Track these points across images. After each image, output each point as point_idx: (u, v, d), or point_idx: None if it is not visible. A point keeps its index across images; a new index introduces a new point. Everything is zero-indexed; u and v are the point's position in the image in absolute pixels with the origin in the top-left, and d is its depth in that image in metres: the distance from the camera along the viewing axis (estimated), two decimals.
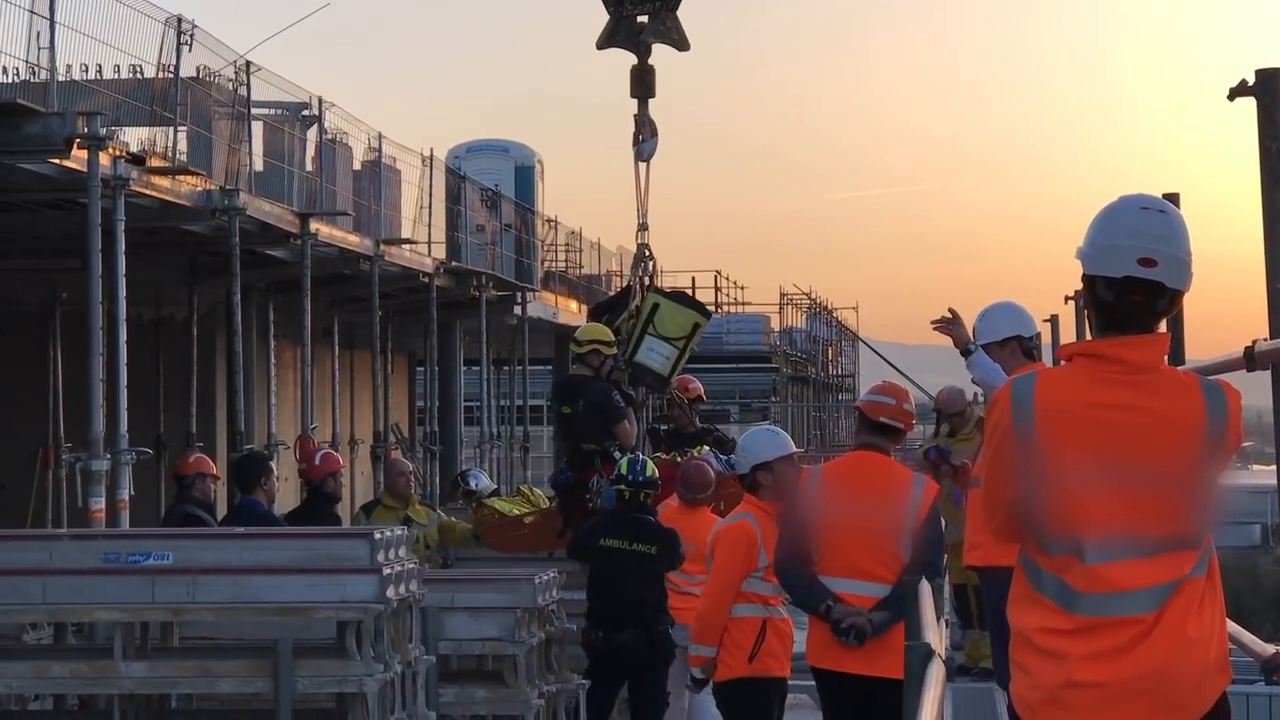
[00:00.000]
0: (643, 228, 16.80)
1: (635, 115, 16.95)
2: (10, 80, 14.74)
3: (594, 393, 14.55)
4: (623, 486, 12.13)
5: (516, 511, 15.25)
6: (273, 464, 13.54)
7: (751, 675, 9.49)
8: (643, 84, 16.91)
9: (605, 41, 17.07)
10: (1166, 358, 4.83)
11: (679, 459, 15.10)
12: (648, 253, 16.78)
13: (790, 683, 9.96)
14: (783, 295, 52.17)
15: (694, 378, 16.75)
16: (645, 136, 16.80)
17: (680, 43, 17.04)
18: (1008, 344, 9.04)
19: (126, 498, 14.19)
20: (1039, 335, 9.48)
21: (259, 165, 20.31)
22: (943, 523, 9.52)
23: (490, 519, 15.12)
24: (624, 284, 18.90)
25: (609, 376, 14.89)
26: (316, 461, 13.66)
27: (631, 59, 17.02)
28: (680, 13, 16.95)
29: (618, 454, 14.46)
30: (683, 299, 16.68)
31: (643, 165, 16.87)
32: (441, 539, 14.29)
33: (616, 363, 15.28)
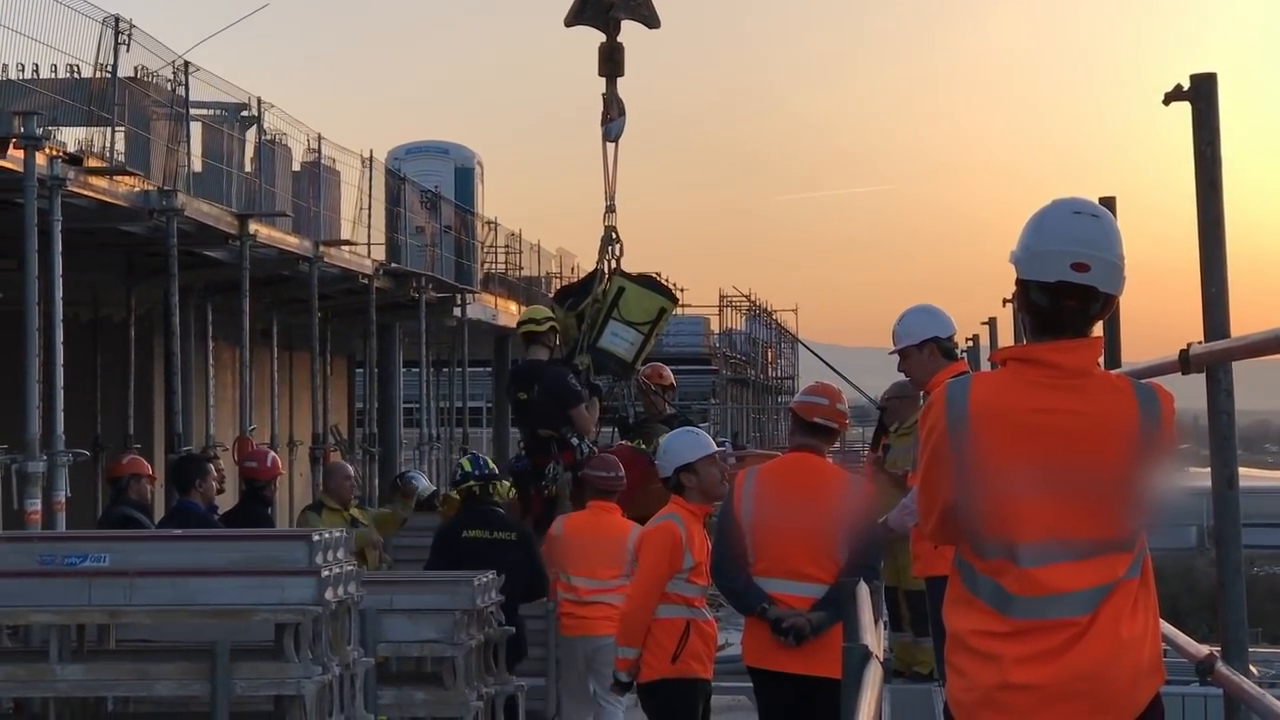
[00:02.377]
0: (610, 209, 16.48)
1: (603, 94, 16.62)
2: None
3: (550, 378, 14.46)
4: (472, 483, 12.23)
5: None
6: (210, 465, 13.44)
7: (674, 676, 9.45)
8: (611, 62, 16.56)
9: (574, 18, 16.71)
10: (1101, 361, 4.86)
11: (642, 445, 15.08)
12: (614, 235, 16.45)
13: (727, 684, 9.97)
14: (722, 297, 52.23)
15: (665, 366, 16.56)
16: (612, 115, 16.52)
17: (650, 19, 16.67)
18: (925, 346, 9.10)
19: (63, 499, 14.10)
20: (955, 336, 9.54)
21: (197, 166, 20.21)
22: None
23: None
24: (562, 282, 18.57)
25: (565, 359, 14.82)
26: (267, 463, 13.63)
27: (599, 38, 16.72)
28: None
29: (574, 440, 14.40)
30: (649, 283, 16.32)
31: (610, 145, 16.58)
32: (382, 532, 14.26)
33: (577, 347, 15.17)
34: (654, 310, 15.83)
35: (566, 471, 14.35)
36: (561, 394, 14.34)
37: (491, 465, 12.51)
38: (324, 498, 14.20)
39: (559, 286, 16.41)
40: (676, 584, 9.42)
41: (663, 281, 16.27)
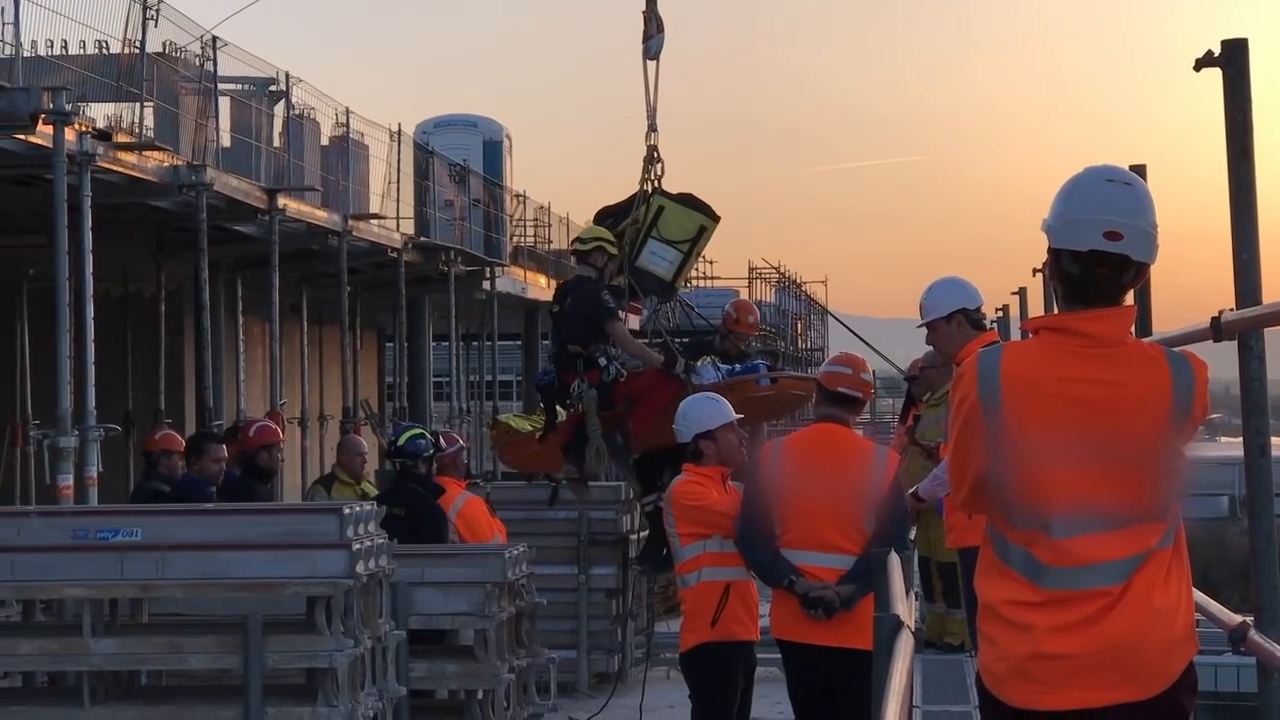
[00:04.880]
0: (652, 128, 16.30)
1: (644, 12, 16.48)
2: None
3: (583, 292, 14.39)
4: (394, 459, 12.30)
5: (529, 428, 15.30)
6: (210, 444, 13.20)
7: (715, 640, 9.38)
8: None
9: None
10: (1133, 330, 4.84)
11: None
12: (656, 154, 16.26)
13: (758, 655, 9.91)
14: (752, 269, 52.22)
15: (752, 308, 16.39)
16: (651, 33, 16.37)
17: None
18: (954, 318, 9.06)
19: (95, 474, 14.15)
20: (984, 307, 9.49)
21: (226, 141, 20.25)
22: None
23: (505, 437, 15.29)
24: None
25: (612, 279, 14.73)
26: (251, 433, 13.50)
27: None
28: None
29: (602, 359, 14.35)
30: (689, 201, 16.14)
31: (651, 64, 16.42)
32: None
33: (619, 267, 15.07)
34: (693, 228, 15.61)
35: (591, 389, 14.30)
36: (590, 308, 14.25)
37: (404, 440, 12.34)
38: (337, 471, 14.25)
39: (601, 207, 16.07)
40: (712, 544, 9.33)
41: (702, 200, 16.00)
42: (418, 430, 12.66)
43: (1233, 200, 6.29)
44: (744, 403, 14.63)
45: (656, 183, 15.69)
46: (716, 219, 15.63)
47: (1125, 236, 4.64)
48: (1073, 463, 4.62)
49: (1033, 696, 4.63)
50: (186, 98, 18.56)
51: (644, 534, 15.22)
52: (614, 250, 14.64)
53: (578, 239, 15.12)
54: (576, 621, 14.94)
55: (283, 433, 14.43)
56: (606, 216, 15.75)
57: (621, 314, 14.44)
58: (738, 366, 14.98)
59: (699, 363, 14.75)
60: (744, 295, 51.20)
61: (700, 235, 15.50)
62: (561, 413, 14.77)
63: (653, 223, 15.32)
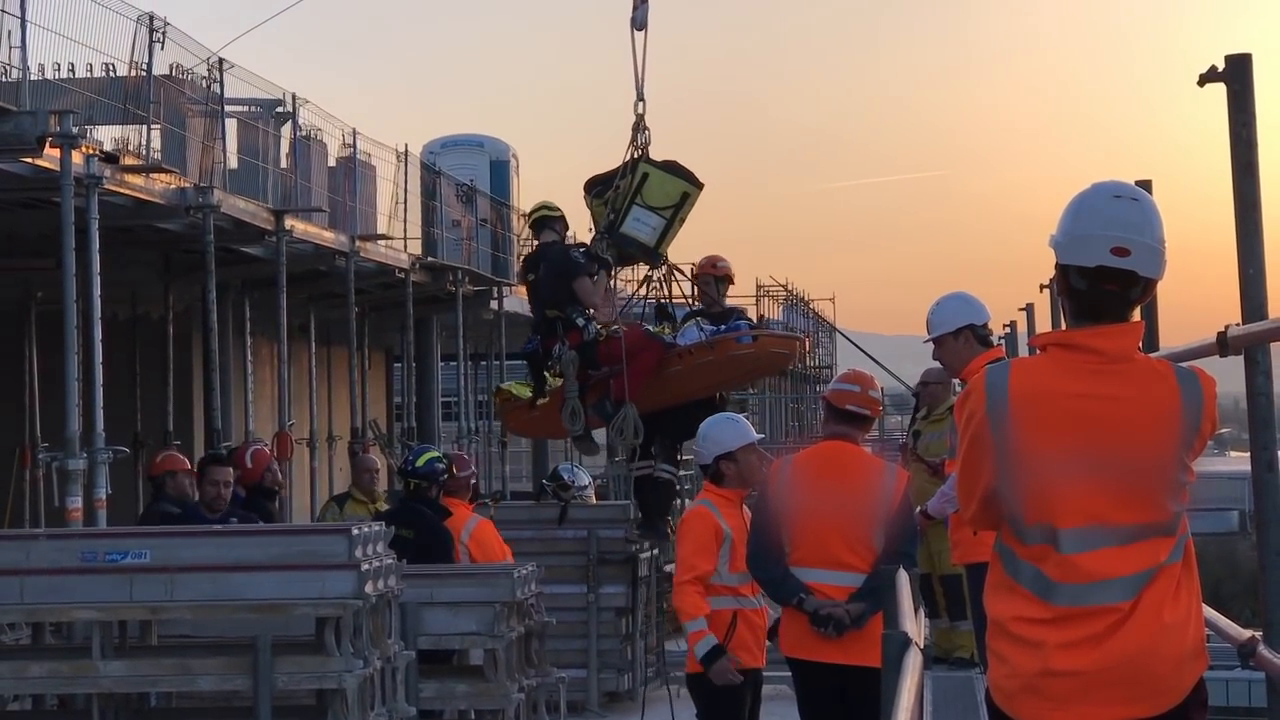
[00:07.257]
0: (640, 98, 16.40)
1: None
2: None
3: (553, 254, 14.62)
4: (409, 479, 12.32)
5: (529, 394, 15.47)
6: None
7: None
8: None
9: None
10: (1141, 345, 4.83)
11: (667, 332, 15.12)
12: (643, 124, 16.36)
13: (767, 674, 9.92)
14: (759, 287, 52.11)
15: (724, 257, 16.54)
16: (638, 3, 16.48)
17: None
18: (961, 333, 9.07)
19: (104, 496, 14.16)
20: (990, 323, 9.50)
21: (233, 163, 20.28)
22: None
23: (508, 404, 15.80)
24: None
25: (594, 245, 14.96)
26: (248, 464, 13.62)
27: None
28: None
29: (580, 320, 14.46)
30: (672, 168, 16.26)
31: (639, 35, 16.50)
32: None
33: (599, 235, 15.26)
34: (676, 195, 15.73)
35: (572, 351, 14.45)
36: (563, 267, 14.42)
37: (423, 463, 12.32)
38: (352, 490, 14.46)
39: (590, 176, 16.22)
40: (719, 574, 9.35)
41: (686, 167, 16.13)
42: (436, 453, 12.67)
43: (1238, 215, 6.30)
44: (727, 360, 14.82)
45: (643, 150, 15.84)
46: (699, 185, 15.76)
47: (1133, 252, 4.64)
48: (1081, 479, 4.61)
49: (1043, 713, 4.62)
50: (193, 120, 18.59)
51: (647, 549, 15.27)
52: (555, 213, 15.07)
53: (545, 206, 15.57)
54: (586, 640, 14.93)
55: (291, 452, 14.52)
56: (595, 185, 15.92)
57: (594, 272, 14.65)
58: (722, 327, 15.16)
59: (684, 325, 14.95)
60: (751, 313, 51.13)
61: (683, 201, 15.65)
62: (552, 379, 14.96)
63: (637, 189, 15.48)
